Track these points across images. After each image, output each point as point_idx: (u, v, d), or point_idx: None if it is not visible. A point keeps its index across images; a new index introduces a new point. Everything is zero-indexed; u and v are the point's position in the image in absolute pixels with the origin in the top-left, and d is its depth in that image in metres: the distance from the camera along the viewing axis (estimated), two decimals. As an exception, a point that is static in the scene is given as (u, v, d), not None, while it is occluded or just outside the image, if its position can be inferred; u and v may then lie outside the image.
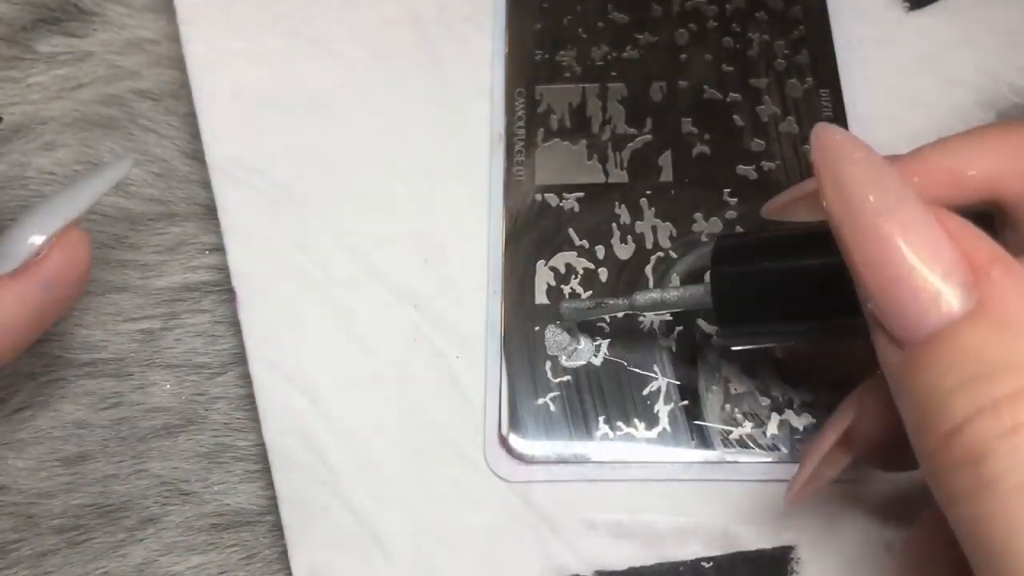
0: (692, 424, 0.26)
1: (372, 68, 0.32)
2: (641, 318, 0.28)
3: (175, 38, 0.33)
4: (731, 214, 0.29)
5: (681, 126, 0.30)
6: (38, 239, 0.23)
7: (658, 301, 0.25)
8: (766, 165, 0.29)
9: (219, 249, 0.30)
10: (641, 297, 0.25)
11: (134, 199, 0.31)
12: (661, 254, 0.28)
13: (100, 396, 0.29)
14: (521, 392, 0.27)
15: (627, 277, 0.28)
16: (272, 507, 0.27)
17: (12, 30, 0.34)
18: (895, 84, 0.31)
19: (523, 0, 0.32)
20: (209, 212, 0.31)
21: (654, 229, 0.29)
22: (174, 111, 0.33)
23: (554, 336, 0.27)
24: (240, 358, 0.29)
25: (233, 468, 0.28)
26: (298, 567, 0.26)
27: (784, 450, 0.26)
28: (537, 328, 0.28)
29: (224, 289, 0.30)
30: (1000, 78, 0.31)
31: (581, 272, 0.28)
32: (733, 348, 0.26)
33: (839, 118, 0.30)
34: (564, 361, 0.27)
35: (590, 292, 0.28)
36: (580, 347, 0.27)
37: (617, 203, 0.29)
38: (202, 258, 0.31)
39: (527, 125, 0.30)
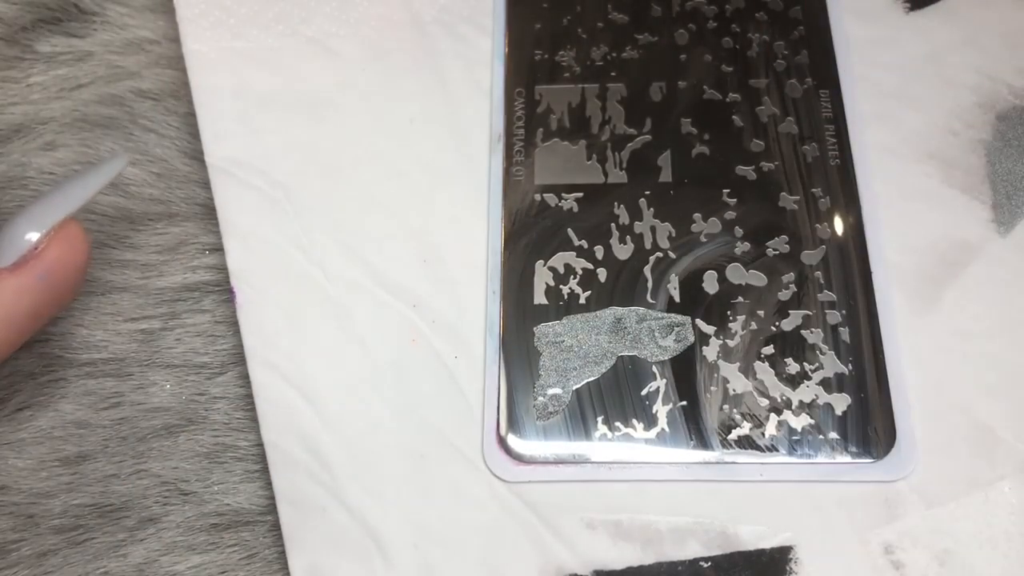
0: (690, 425, 0.26)
1: (372, 68, 0.32)
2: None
3: (175, 38, 0.33)
4: (730, 214, 0.29)
5: (680, 126, 0.30)
6: (34, 235, 0.23)
7: None
8: (765, 166, 0.29)
9: (219, 249, 0.30)
10: None
11: (134, 199, 0.31)
12: (660, 254, 0.28)
13: (100, 396, 0.29)
14: (519, 392, 0.27)
15: (625, 278, 0.28)
16: (272, 507, 0.27)
17: (12, 30, 0.34)
18: (894, 85, 0.31)
19: (523, 0, 0.32)
20: (209, 212, 0.31)
21: (653, 229, 0.29)
22: (174, 111, 0.33)
23: None
24: (240, 358, 0.29)
25: (233, 468, 0.28)
26: (296, 567, 0.26)
27: (782, 451, 0.26)
28: (536, 328, 0.28)
29: (224, 289, 0.30)
30: (999, 79, 0.30)
31: (580, 272, 0.28)
32: None
33: (838, 118, 0.30)
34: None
35: (588, 292, 0.28)
36: None
37: (616, 203, 0.29)
38: (202, 258, 0.31)
39: (526, 125, 0.31)
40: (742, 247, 0.28)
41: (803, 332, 0.27)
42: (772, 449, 0.26)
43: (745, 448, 0.26)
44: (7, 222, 0.24)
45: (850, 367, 0.27)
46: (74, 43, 0.34)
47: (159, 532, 0.27)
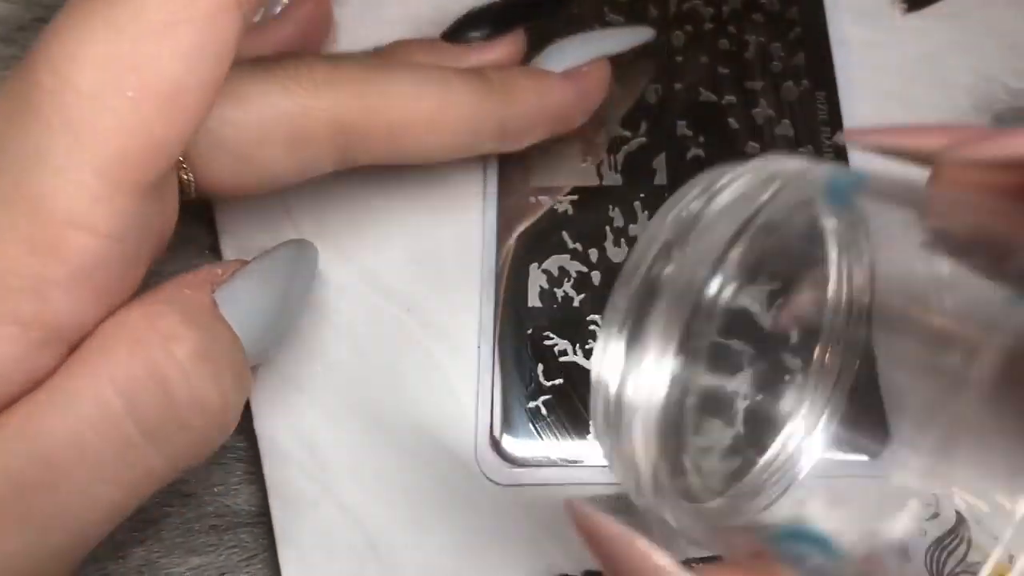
0: (683, 428, 0.27)
1: (369, 68, 0.32)
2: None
3: (172, 38, 0.33)
4: (724, 217, 0.29)
5: (676, 129, 0.30)
6: (582, 58, 0.28)
7: None
8: (760, 168, 0.29)
9: (219, 249, 0.30)
10: None
11: (133, 200, 0.31)
12: (654, 258, 0.29)
13: (100, 397, 0.29)
14: (513, 395, 0.27)
15: (620, 281, 0.28)
16: (272, 508, 0.27)
17: (10, 29, 0.34)
18: (891, 86, 0.31)
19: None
20: (209, 212, 0.31)
21: (647, 233, 0.29)
22: (172, 111, 0.33)
23: None
24: (238, 359, 0.29)
25: (233, 469, 0.28)
26: (287, 562, 0.26)
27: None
28: (530, 331, 0.28)
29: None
30: (996, 80, 0.30)
31: (574, 275, 0.29)
32: None
33: (834, 121, 0.30)
34: None
35: (583, 295, 0.28)
36: None
37: (611, 206, 0.29)
38: (202, 258, 0.31)
39: (523, 126, 0.30)
40: (736, 250, 0.28)
41: (796, 335, 0.27)
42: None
43: (737, 451, 0.26)
44: (560, 43, 0.28)
45: (843, 369, 0.27)
46: (73, 42, 0.34)
47: (158, 533, 0.27)
